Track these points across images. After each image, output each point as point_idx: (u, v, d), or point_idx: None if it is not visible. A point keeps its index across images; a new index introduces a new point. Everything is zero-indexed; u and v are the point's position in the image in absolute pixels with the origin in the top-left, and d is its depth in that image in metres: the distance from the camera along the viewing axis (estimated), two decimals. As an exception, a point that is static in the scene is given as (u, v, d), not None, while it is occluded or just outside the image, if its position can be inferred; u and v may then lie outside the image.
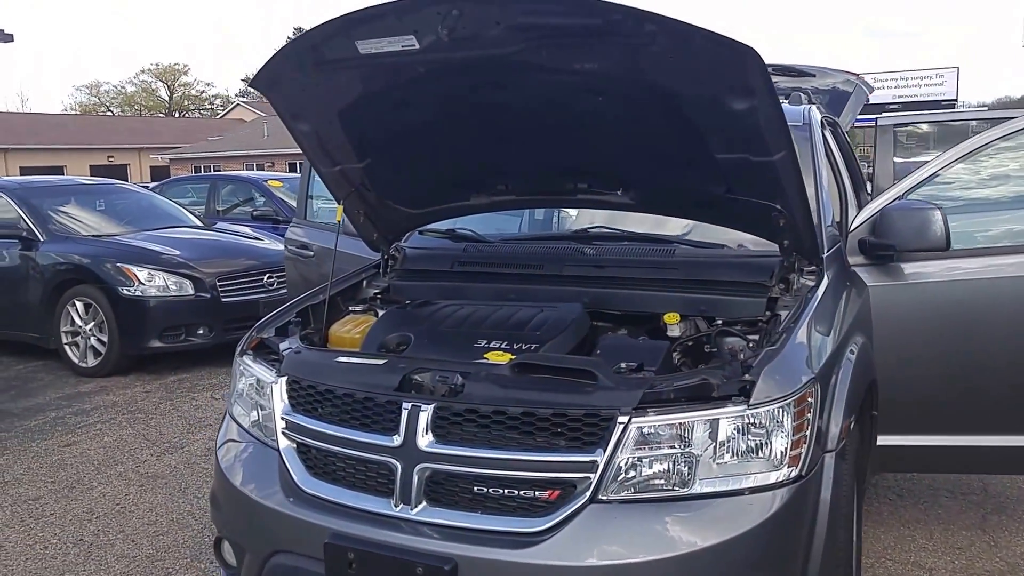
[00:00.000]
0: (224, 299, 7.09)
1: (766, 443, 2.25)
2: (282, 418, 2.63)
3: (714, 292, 2.98)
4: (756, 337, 2.80)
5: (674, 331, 2.95)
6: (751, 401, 2.23)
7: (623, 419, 2.22)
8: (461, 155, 3.09)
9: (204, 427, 5.62)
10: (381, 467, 2.41)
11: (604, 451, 2.20)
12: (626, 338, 2.91)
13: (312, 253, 4.79)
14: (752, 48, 2.18)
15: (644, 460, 2.23)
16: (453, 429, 2.33)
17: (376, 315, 3.36)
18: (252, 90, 3.09)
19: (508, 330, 2.84)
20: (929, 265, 3.37)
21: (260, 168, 32.70)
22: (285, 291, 7.46)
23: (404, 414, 2.37)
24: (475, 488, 2.30)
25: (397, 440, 2.36)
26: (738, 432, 2.24)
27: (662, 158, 2.78)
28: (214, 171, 30.43)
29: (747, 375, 2.29)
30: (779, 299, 2.90)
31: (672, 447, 2.23)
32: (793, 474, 2.25)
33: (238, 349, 2.98)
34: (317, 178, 5.45)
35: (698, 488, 2.21)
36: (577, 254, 3.28)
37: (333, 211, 7.58)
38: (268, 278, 7.44)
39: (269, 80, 2.82)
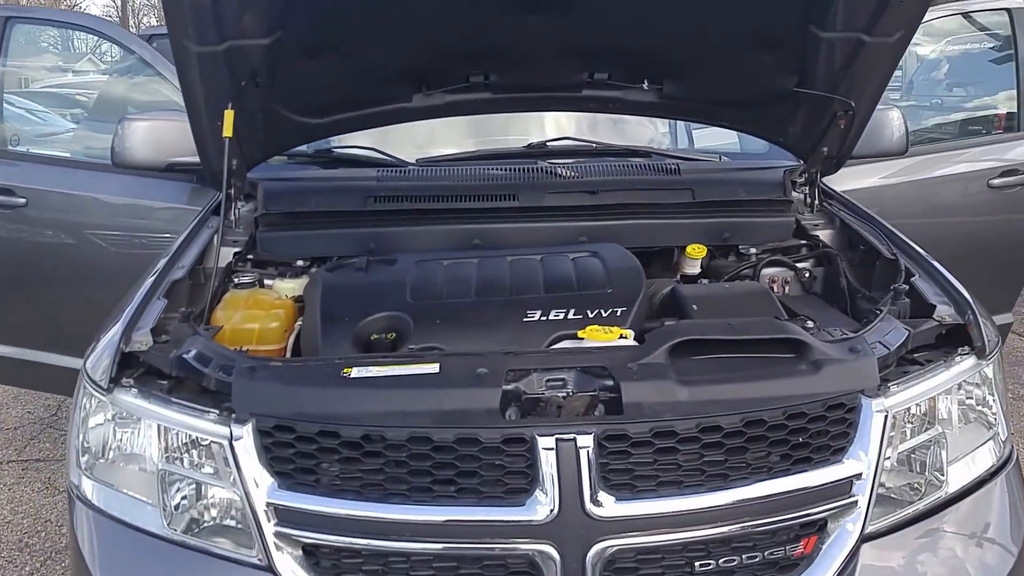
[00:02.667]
0: None
1: (991, 404, 1.74)
2: (270, 505, 1.43)
3: (734, 214, 2.36)
4: (807, 265, 2.26)
5: (694, 267, 2.29)
6: (987, 351, 1.69)
7: (878, 404, 1.52)
8: (425, 30, 1.98)
9: None
10: (514, 561, 1.40)
11: (866, 457, 1.49)
12: (712, 286, 2.16)
13: (23, 200, 3.09)
14: None
15: (904, 459, 1.59)
16: (641, 471, 1.42)
17: (263, 287, 2.14)
18: None
19: (555, 292, 1.91)
20: None
21: None
22: None
23: (546, 459, 1.38)
24: (696, 565, 1.43)
25: (545, 508, 1.38)
26: (973, 395, 1.70)
27: (735, 37, 2.04)
28: None
29: (937, 316, 1.75)
30: (799, 217, 2.40)
31: (925, 431, 1.61)
32: (1004, 436, 1.77)
33: (94, 380, 1.62)
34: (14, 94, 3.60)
35: (954, 482, 1.62)
36: (552, 177, 2.38)
37: (46, 138, 5.39)
38: None
39: None
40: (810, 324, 1.74)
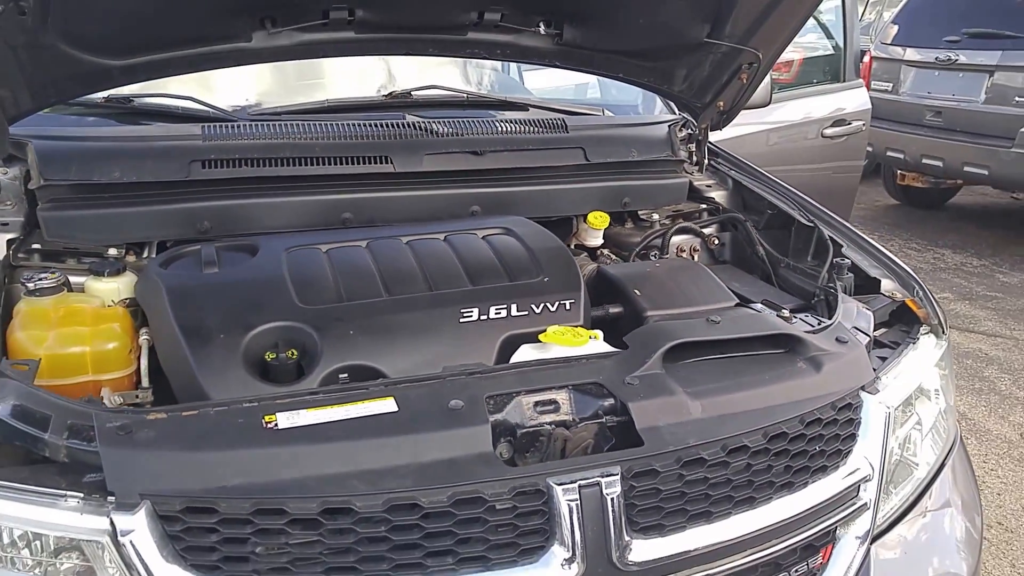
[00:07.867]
0: None
1: (947, 380, 1.73)
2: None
3: (629, 177, 2.17)
4: (713, 231, 2.14)
5: (596, 238, 2.10)
6: (943, 328, 1.68)
7: (878, 400, 1.41)
8: None
9: None
10: None
11: (873, 457, 1.38)
12: (640, 264, 1.91)
13: None
14: None
15: (898, 453, 1.50)
16: (670, 507, 1.18)
17: (68, 289, 1.58)
18: None
19: (484, 283, 1.57)
20: None
21: None
22: None
23: (568, 509, 1.09)
24: None
25: (570, 565, 1.10)
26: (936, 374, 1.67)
27: None
28: None
29: (887, 292, 1.72)
30: (691, 178, 2.29)
31: (908, 419, 1.53)
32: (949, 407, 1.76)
33: None
34: None
35: (923, 462, 1.56)
36: (428, 135, 2.00)
37: None
38: None
39: None
40: (785, 312, 1.58)
